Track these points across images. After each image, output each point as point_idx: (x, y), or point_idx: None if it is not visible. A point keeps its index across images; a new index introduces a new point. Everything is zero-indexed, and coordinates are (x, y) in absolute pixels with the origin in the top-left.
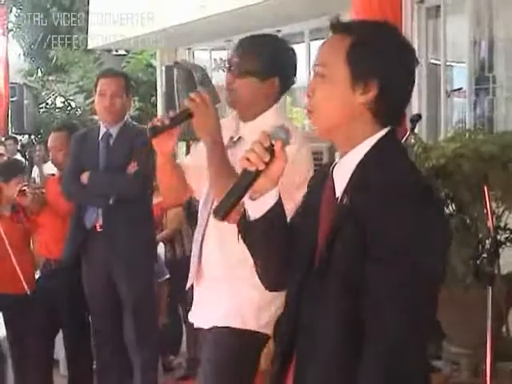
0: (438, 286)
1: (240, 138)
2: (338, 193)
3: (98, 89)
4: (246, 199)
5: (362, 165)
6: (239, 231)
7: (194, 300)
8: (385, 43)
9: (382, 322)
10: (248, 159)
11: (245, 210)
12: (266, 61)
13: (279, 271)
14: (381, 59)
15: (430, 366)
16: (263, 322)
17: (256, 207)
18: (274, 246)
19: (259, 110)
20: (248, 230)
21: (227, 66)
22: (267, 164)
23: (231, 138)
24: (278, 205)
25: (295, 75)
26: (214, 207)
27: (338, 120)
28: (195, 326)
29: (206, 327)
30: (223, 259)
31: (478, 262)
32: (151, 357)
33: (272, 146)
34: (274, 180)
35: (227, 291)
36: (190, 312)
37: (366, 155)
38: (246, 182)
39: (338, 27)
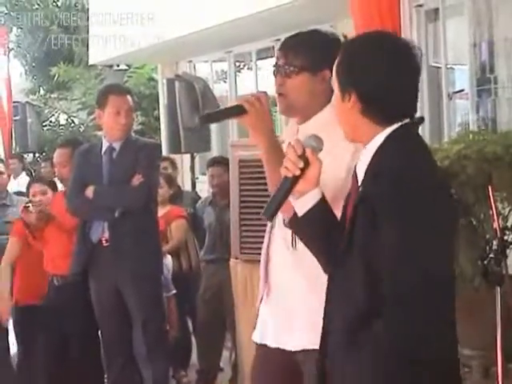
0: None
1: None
2: (359, 183)
3: (108, 106)
4: (292, 200)
5: (375, 157)
6: (292, 228)
7: (262, 315)
8: (361, 55)
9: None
10: (286, 167)
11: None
12: (315, 52)
13: None
14: (354, 70)
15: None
16: None
17: (300, 205)
18: (325, 236)
19: (316, 109)
20: (298, 226)
21: (274, 70)
22: (303, 170)
23: (289, 143)
24: (322, 202)
25: None
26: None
27: (345, 125)
28: (262, 343)
29: (286, 348)
30: (294, 277)
31: (485, 262)
32: (162, 370)
33: (305, 153)
34: (312, 182)
35: (304, 305)
36: (257, 330)
37: (378, 149)
38: (286, 186)
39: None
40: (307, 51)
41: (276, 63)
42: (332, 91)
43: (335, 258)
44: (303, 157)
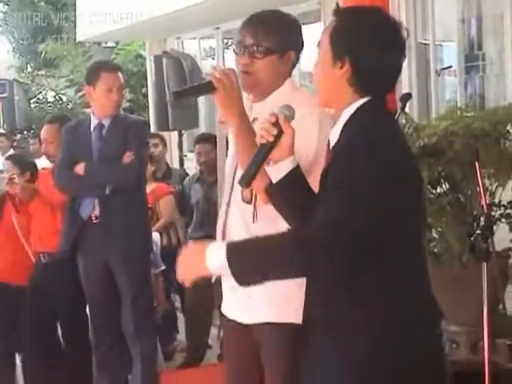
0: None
1: (254, 119)
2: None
3: (100, 83)
4: (267, 168)
5: (344, 127)
6: (267, 195)
7: (227, 293)
8: (360, 26)
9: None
10: (261, 135)
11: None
12: (282, 35)
13: None
14: (353, 39)
15: None
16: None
17: (275, 172)
18: (299, 204)
19: (272, 89)
20: (272, 193)
21: (239, 49)
22: (276, 137)
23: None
24: (296, 170)
25: (303, 48)
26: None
27: (327, 90)
28: (231, 318)
29: (251, 322)
30: None
31: (472, 239)
32: (150, 347)
33: (278, 121)
34: (286, 150)
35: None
36: (222, 304)
37: (348, 119)
38: (261, 154)
39: (334, 12)
40: (275, 33)
41: (241, 42)
42: (291, 70)
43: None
44: (277, 124)
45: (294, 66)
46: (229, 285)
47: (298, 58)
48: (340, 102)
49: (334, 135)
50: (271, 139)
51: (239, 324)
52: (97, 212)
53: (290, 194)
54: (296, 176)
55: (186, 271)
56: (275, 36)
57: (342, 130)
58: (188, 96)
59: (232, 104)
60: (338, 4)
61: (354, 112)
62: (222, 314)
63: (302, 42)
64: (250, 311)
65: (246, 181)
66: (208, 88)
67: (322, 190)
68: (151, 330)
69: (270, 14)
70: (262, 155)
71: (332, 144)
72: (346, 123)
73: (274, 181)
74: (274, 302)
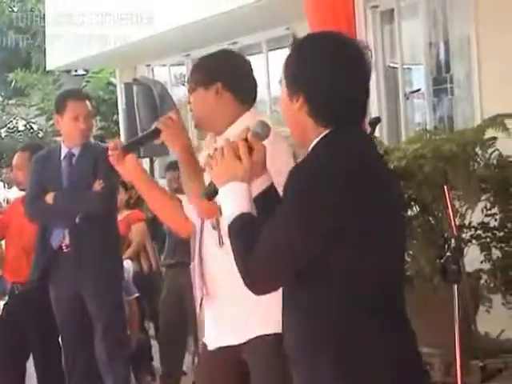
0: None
1: (216, 149)
2: None
3: (67, 112)
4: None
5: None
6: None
7: (209, 321)
8: (310, 57)
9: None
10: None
11: None
12: (206, 68)
13: None
14: (303, 72)
15: None
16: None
17: (255, 188)
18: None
19: (225, 121)
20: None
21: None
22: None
23: (208, 154)
24: (270, 189)
25: (245, 81)
26: (202, 192)
27: (293, 127)
28: (215, 346)
29: (236, 343)
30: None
31: (443, 261)
32: (123, 375)
33: (247, 138)
34: (260, 167)
35: (244, 301)
36: (206, 335)
37: (308, 152)
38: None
39: (289, 45)
40: (200, 68)
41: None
42: (239, 103)
43: None
44: (247, 141)
45: (241, 99)
46: (210, 312)
47: (238, 90)
48: (307, 136)
49: None
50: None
51: (225, 348)
52: (67, 241)
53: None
54: (268, 195)
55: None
56: (200, 70)
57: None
58: (138, 145)
59: (174, 139)
60: (294, 37)
61: (314, 145)
62: (203, 345)
63: (241, 75)
64: (239, 330)
65: (210, 195)
66: (155, 134)
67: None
68: (124, 359)
69: (205, 55)
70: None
71: None
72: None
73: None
74: (262, 315)
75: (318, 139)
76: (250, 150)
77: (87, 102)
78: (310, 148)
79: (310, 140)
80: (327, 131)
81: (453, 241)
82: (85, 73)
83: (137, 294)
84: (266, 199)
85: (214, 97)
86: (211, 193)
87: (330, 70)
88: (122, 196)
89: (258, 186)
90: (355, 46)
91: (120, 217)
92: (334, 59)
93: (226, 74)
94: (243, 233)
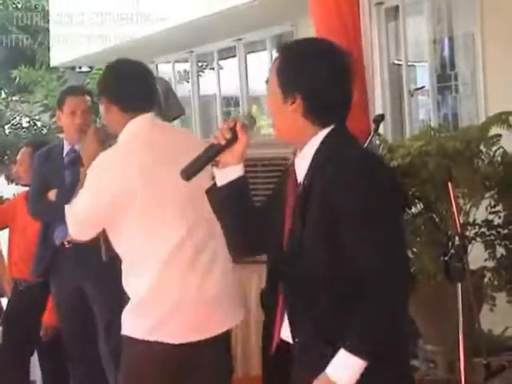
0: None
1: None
2: (300, 179)
3: (65, 107)
4: (214, 169)
5: (316, 155)
6: (208, 196)
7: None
8: (304, 60)
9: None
10: (215, 136)
11: (215, 182)
12: (96, 85)
13: (242, 239)
14: (300, 75)
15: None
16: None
17: (222, 176)
18: (237, 212)
19: (117, 129)
20: (214, 195)
21: None
22: (229, 141)
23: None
24: (243, 179)
25: (125, 92)
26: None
27: (285, 128)
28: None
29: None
30: None
31: (446, 258)
32: None
33: (235, 127)
34: (237, 157)
35: None
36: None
37: (318, 148)
38: (210, 153)
39: (278, 49)
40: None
41: None
42: (126, 112)
43: (274, 255)
44: (233, 130)
45: (128, 109)
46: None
47: (123, 102)
48: (301, 136)
49: (302, 167)
50: (223, 142)
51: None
52: (69, 237)
53: (232, 201)
54: (241, 185)
55: None
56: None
57: (311, 162)
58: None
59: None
60: (282, 42)
61: (322, 142)
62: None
63: (121, 86)
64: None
65: (187, 174)
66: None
67: (296, 227)
68: None
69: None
70: (209, 154)
71: (301, 176)
72: (316, 154)
73: (218, 183)
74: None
75: (323, 136)
76: (235, 138)
77: (86, 98)
78: (313, 146)
79: (303, 139)
80: (329, 129)
81: (457, 238)
82: (89, 69)
83: None
84: (240, 186)
85: (104, 110)
86: (189, 174)
87: (328, 72)
88: None
89: (234, 172)
90: (340, 50)
91: None
92: (329, 61)
93: (108, 88)
94: None
